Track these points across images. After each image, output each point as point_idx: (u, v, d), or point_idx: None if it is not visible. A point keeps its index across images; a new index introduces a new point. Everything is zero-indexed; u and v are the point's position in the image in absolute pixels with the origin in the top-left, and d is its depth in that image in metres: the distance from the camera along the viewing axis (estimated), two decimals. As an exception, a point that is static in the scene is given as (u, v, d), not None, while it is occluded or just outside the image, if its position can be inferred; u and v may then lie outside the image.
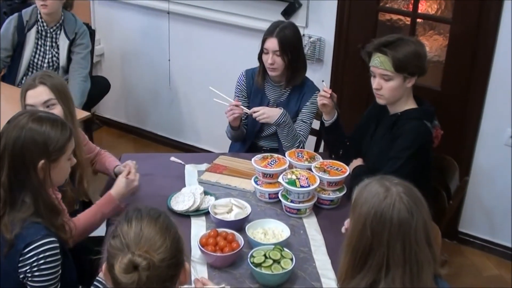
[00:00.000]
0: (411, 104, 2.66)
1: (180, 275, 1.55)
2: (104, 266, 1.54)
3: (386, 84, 2.59)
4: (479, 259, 3.63)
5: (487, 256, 3.65)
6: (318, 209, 2.59)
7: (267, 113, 2.97)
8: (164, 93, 4.61)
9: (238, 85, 3.19)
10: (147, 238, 1.47)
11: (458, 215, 3.68)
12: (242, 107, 3.01)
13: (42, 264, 1.88)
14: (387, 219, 1.58)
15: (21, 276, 1.90)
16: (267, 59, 3.00)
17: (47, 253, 1.88)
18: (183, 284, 1.61)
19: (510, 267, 3.54)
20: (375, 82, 2.62)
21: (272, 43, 2.97)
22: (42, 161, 1.95)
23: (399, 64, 2.54)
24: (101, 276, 1.96)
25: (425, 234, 1.60)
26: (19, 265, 1.89)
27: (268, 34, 3.01)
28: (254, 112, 2.97)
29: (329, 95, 2.75)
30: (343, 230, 2.19)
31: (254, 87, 3.16)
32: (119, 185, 2.44)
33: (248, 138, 3.20)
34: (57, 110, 2.47)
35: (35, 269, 1.88)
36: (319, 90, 3.02)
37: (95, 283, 1.96)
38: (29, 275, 1.89)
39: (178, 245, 1.52)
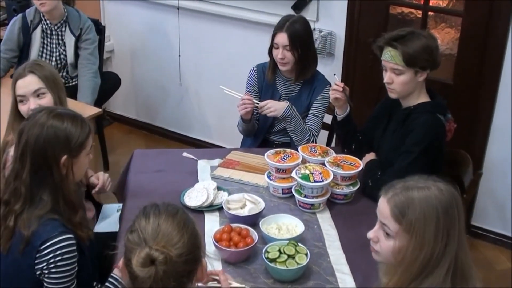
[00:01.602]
0: (423, 98, 2.65)
1: (197, 271, 1.55)
2: (120, 262, 1.55)
3: (397, 78, 2.57)
4: (492, 253, 3.62)
5: (500, 250, 3.63)
6: (331, 203, 2.58)
7: (274, 107, 2.97)
8: (174, 88, 4.61)
9: (249, 80, 3.19)
10: (165, 233, 1.48)
11: (471, 209, 3.66)
12: (254, 100, 3.00)
13: (59, 261, 1.89)
14: (454, 207, 1.59)
15: (38, 272, 1.91)
16: (277, 53, 2.99)
17: (63, 250, 1.89)
18: (200, 281, 1.62)
19: (523, 261, 3.53)
20: (386, 76, 2.61)
21: (282, 38, 2.96)
22: (65, 157, 1.97)
23: (409, 59, 2.52)
24: (115, 272, 1.97)
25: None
26: (36, 261, 1.90)
27: (278, 28, 3.00)
28: (261, 107, 2.97)
29: (341, 89, 2.74)
30: (376, 249, 1.72)
31: (265, 82, 3.15)
32: None
33: (260, 133, 3.20)
34: (47, 99, 2.45)
35: (52, 265, 1.89)
36: (330, 84, 3.01)
37: (109, 279, 1.97)
38: (46, 271, 1.90)
39: (195, 241, 1.52)
